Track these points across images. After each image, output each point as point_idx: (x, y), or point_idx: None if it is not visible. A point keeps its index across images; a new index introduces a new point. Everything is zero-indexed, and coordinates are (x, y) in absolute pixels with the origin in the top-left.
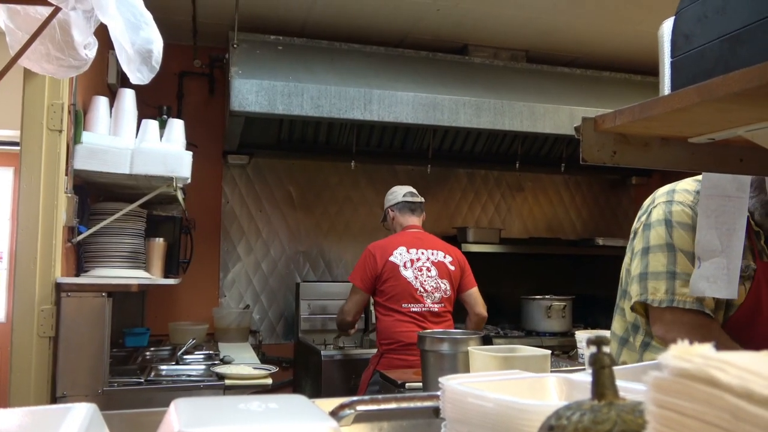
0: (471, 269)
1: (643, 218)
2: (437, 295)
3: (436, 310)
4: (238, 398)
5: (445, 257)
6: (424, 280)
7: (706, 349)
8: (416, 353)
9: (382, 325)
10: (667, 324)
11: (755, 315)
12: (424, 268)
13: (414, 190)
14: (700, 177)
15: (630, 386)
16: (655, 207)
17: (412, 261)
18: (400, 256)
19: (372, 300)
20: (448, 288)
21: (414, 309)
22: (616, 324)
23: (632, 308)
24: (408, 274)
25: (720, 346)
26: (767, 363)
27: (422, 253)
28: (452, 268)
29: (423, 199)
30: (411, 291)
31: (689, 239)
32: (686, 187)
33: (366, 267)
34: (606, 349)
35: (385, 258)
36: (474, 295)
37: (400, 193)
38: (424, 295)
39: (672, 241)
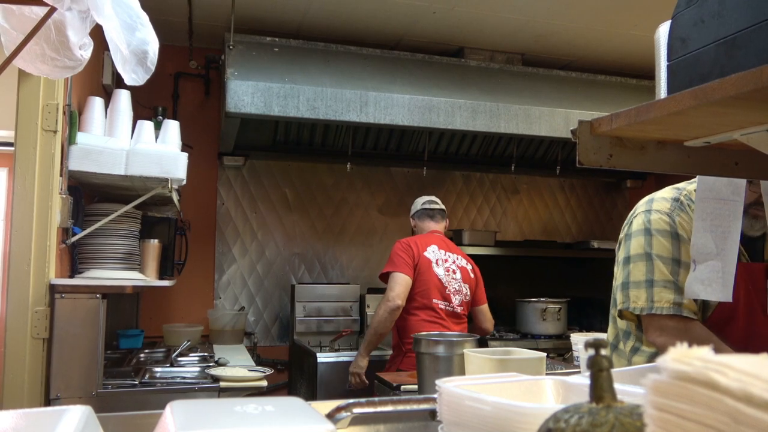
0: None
1: (626, 228)
2: (459, 298)
3: (459, 312)
4: (235, 400)
5: (467, 264)
6: (450, 281)
7: (705, 352)
8: None
9: (407, 323)
10: (655, 330)
11: (732, 314)
12: (451, 270)
13: (435, 198)
14: (679, 185)
15: (628, 389)
16: (635, 217)
17: (443, 260)
18: (433, 253)
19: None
20: (468, 293)
21: (441, 306)
22: (609, 330)
23: (620, 315)
24: (440, 271)
25: (710, 346)
26: (766, 366)
27: (449, 256)
28: (472, 276)
29: (443, 207)
30: (441, 288)
31: (668, 245)
32: (664, 195)
33: (406, 254)
34: (604, 352)
35: (420, 251)
36: (485, 310)
37: (420, 201)
38: (451, 294)
39: (650, 250)
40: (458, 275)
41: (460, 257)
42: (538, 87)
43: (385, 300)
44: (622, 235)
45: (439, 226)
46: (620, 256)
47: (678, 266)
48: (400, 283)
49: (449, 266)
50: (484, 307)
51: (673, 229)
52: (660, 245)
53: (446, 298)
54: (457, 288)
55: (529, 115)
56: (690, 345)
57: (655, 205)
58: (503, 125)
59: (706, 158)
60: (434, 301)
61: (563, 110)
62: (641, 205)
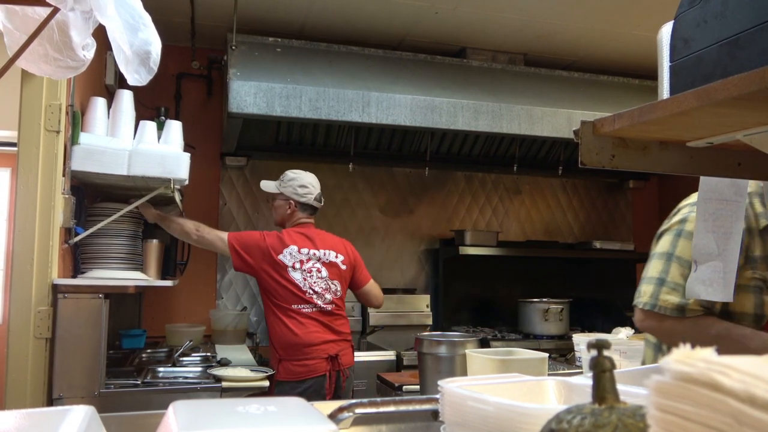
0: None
1: (666, 223)
2: (328, 296)
3: (329, 309)
4: (237, 401)
5: (336, 257)
6: (314, 282)
7: (709, 353)
8: (315, 356)
9: (276, 330)
10: (647, 327)
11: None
12: (314, 270)
13: (319, 190)
14: None
15: (630, 390)
16: (675, 214)
17: (301, 262)
18: (290, 256)
19: (261, 303)
20: (339, 289)
21: (305, 310)
22: None
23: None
24: (296, 275)
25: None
26: None
27: (313, 254)
28: (344, 267)
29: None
30: (299, 293)
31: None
32: None
33: (256, 246)
34: (606, 352)
35: (275, 254)
36: (369, 288)
37: (313, 194)
38: (314, 296)
39: (674, 251)
40: (324, 273)
41: (327, 251)
42: (541, 87)
43: (199, 227)
44: (660, 230)
45: (311, 219)
46: (651, 251)
47: None
48: (219, 242)
49: (311, 267)
50: (368, 286)
51: None
52: (685, 247)
53: (308, 301)
54: (323, 287)
55: (532, 115)
56: (694, 342)
57: None
58: (505, 125)
59: (708, 159)
60: (294, 306)
61: (565, 110)
62: (685, 207)
